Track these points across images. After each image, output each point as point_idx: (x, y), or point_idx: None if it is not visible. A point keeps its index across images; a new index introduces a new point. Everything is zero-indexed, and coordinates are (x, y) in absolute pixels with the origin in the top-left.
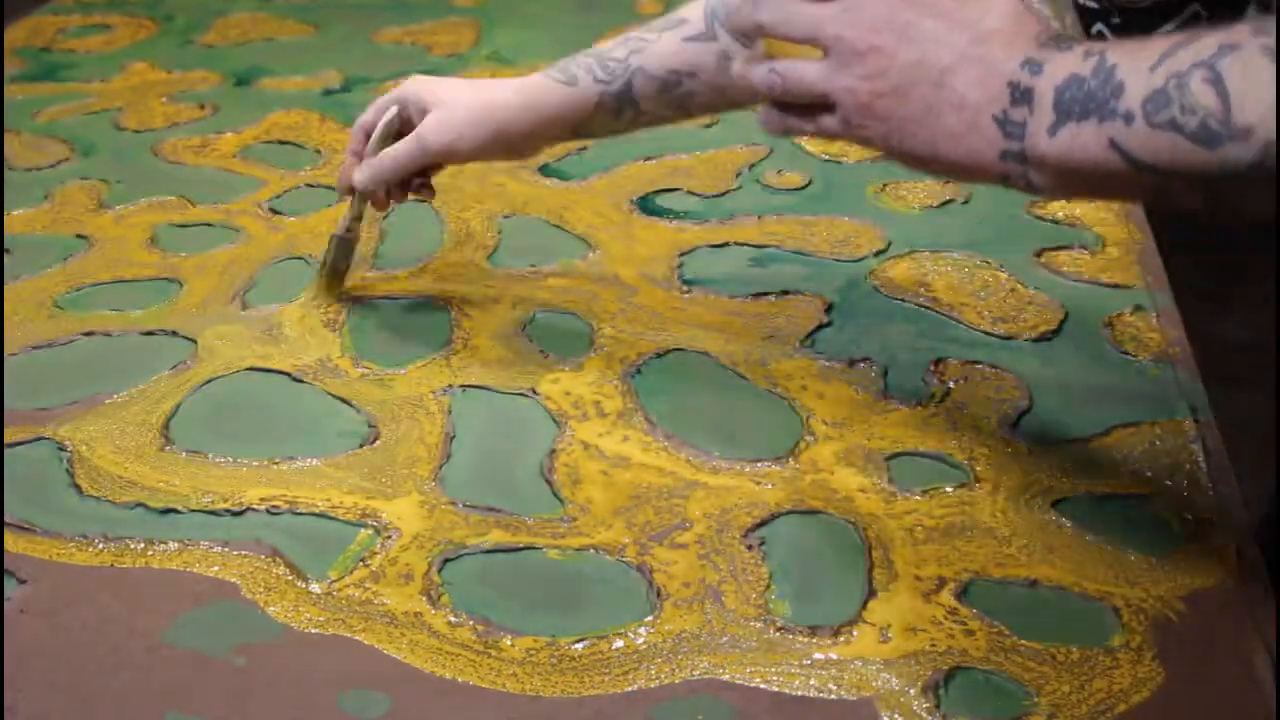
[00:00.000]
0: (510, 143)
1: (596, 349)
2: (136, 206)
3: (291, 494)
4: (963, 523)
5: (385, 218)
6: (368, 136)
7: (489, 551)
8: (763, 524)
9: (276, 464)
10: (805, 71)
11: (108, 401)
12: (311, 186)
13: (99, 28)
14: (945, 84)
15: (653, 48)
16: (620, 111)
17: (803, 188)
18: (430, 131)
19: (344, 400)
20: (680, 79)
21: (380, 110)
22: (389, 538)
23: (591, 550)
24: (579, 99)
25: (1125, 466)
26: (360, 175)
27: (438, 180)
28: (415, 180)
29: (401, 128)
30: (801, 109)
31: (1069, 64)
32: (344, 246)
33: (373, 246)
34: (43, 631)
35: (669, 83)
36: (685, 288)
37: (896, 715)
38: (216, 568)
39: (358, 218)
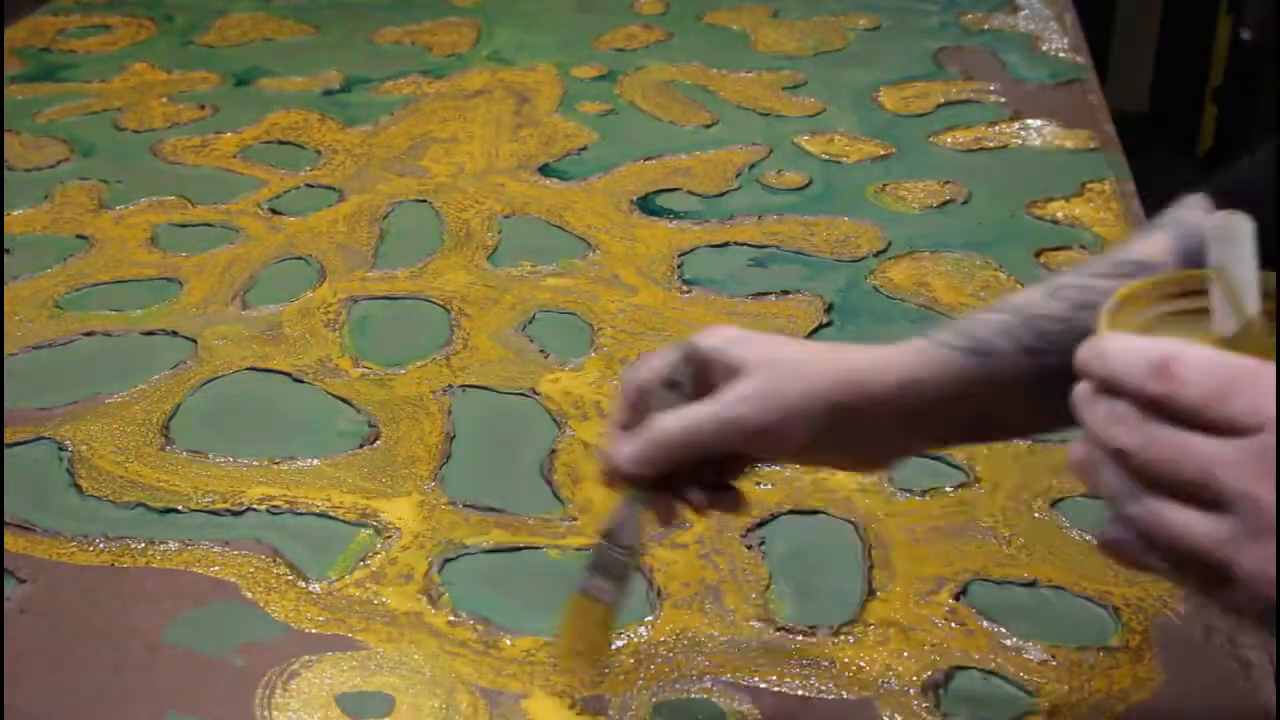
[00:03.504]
0: (868, 435)
1: (596, 349)
2: (136, 206)
3: (291, 494)
4: (963, 523)
5: (384, 217)
6: (641, 401)
7: (489, 551)
8: (762, 524)
9: (276, 464)
10: (1193, 525)
11: (108, 401)
12: (311, 186)
13: (99, 28)
14: None
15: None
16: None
17: (803, 188)
18: (743, 402)
19: (344, 400)
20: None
21: (658, 367)
22: (389, 538)
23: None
24: (999, 371)
25: None
26: (629, 450)
27: (437, 180)
28: (709, 472)
29: (694, 391)
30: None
31: None
32: (615, 568)
33: (373, 246)
34: (43, 631)
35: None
36: (685, 288)
37: (896, 715)
38: (216, 568)
39: (632, 527)
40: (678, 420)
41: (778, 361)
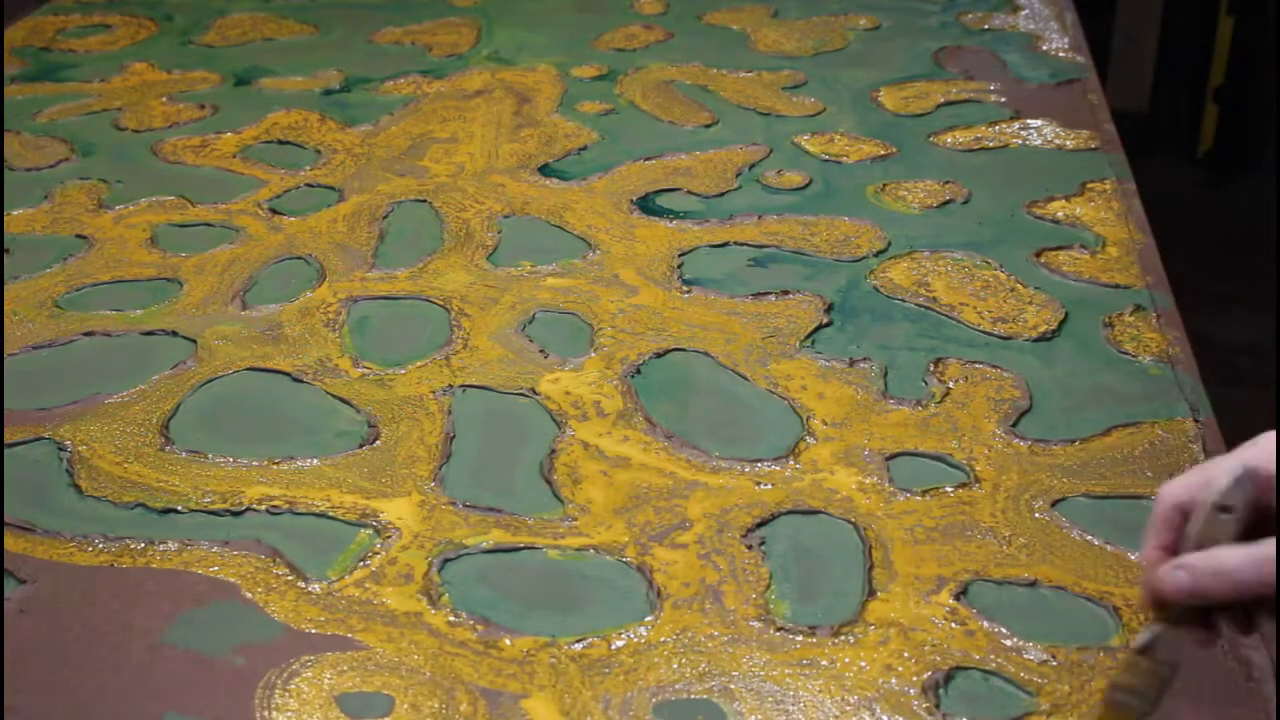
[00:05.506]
0: None
1: (596, 349)
2: (136, 206)
3: (291, 494)
4: (963, 523)
5: (384, 217)
6: (1183, 520)
7: (489, 551)
8: (763, 524)
9: (276, 464)
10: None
11: (108, 401)
12: (311, 186)
13: (99, 28)
14: None
15: None
16: None
17: (803, 188)
18: None
19: (344, 400)
20: None
21: (1208, 488)
22: (389, 538)
23: (591, 550)
24: None
25: (1125, 466)
26: (1183, 580)
27: (437, 180)
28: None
29: (1248, 514)
30: None
31: None
32: (1152, 682)
33: (372, 246)
34: (43, 631)
35: None
36: (685, 288)
37: (896, 715)
38: (216, 568)
39: (1172, 643)
40: (1246, 562)
41: None
